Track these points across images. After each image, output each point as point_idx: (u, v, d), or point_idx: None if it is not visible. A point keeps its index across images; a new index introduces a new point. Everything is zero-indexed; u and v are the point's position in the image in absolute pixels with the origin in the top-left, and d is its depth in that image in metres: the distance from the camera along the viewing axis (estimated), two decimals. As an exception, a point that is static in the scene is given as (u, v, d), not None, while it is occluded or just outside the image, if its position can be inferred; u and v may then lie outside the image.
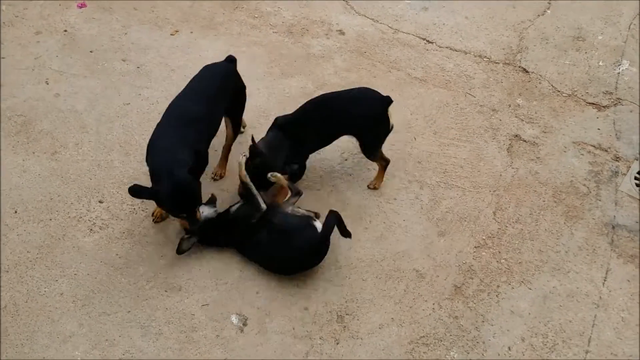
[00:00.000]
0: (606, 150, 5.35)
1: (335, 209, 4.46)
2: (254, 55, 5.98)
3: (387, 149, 5.00)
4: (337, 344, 4.19)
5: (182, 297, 4.35)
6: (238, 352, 4.13)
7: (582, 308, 4.44)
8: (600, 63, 6.04)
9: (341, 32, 6.27)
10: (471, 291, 4.47)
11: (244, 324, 4.25)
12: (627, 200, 5.02)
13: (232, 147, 5.03)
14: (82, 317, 4.21)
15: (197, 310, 4.30)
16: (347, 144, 5.19)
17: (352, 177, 5.06)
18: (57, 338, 4.11)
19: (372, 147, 4.84)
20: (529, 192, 5.05)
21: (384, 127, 4.80)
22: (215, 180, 4.98)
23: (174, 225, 4.63)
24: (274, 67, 5.90)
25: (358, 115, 4.69)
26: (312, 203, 4.79)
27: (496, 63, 6.03)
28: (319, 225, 4.38)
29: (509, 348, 4.23)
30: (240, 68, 5.80)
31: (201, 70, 4.75)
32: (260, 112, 5.48)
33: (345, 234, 4.49)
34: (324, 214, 4.50)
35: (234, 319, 4.27)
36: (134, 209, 4.75)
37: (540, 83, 5.86)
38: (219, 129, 4.71)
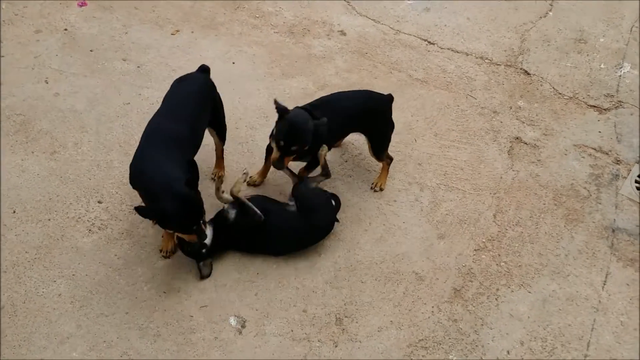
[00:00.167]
0: (607, 153, 5.34)
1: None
2: (254, 56, 5.97)
3: (392, 152, 4.99)
4: (336, 346, 4.18)
5: (181, 298, 4.33)
6: (236, 354, 4.12)
7: (581, 312, 4.43)
8: (602, 66, 6.03)
9: (342, 33, 6.25)
10: (470, 294, 4.46)
11: (243, 326, 4.23)
12: (627, 203, 5.01)
13: (233, 148, 5.02)
14: (80, 318, 4.20)
15: (196, 311, 4.28)
16: (347, 145, 5.19)
17: (352, 178, 5.04)
18: (55, 339, 4.10)
19: (382, 146, 4.87)
20: (530, 195, 5.03)
21: (392, 125, 4.86)
22: (214, 180, 4.95)
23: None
24: (274, 67, 5.88)
25: (369, 110, 4.71)
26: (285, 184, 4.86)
27: (498, 65, 6.01)
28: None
29: (508, 352, 4.22)
30: (241, 68, 5.83)
31: (175, 84, 4.56)
32: (261, 113, 5.46)
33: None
34: (323, 216, 4.51)
35: (233, 320, 4.26)
36: (133, 209, 4.72)
37: (541, 85, 5.84)
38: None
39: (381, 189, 4.96)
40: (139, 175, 4.07)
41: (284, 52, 6.02)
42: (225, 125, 4.83)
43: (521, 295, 4.47)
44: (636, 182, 5.11)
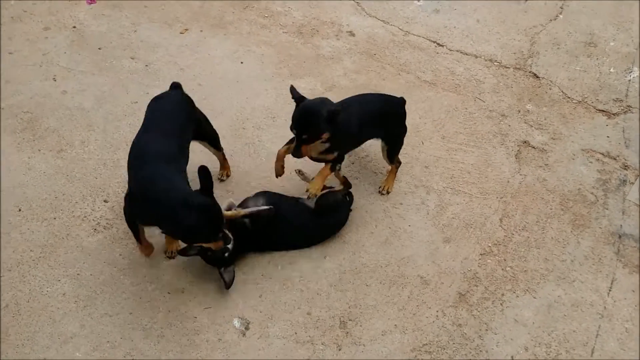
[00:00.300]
0: (615, 159, 5.30)
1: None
2: (263, 55, 5.96)
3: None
4: (339, 350, 4.17)
5: (185, 299, 4.33)
6: (240, 356, 4.11)
7: (586, 318, 4.40)
8: (612, 70, 5.99)
9: (351, 34, 6.24)
10: (475, 299, 4.44)
11: (246, 328, 4.23)
12: (634, 209, 4.97)
13: (239, 148, 5.03)
14: (83, 318, 4.20)
15: (200, 313, 4.28)
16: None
17: (359, 180, 5.02)
18: (58, 339, 4.10)
19: (397, 150, 4.87)
20: (537, 200, 5.01)
21: (405, 128, 4.88)
22: (222, 181, 4.95)
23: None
24: (282, 67, 5.87)
25: (387, 114, 4.71)
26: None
27: (507, 68, 5.98)
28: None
29: (512, 357, 4.20)
30: (249, 68, 5.83)
31: (153, 103, 4.45)
32: (268, 113, 5.46)
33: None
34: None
35: (236, 322, 4.25)
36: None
37: (550, 89, 5.81)
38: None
39: (388, 192, 4.95)
40: (149, 197, 3.86)
41: (292, 53, 6.01)
42: (215, 133, 4.75)
43: (526, 301, 4.45)
44: (644, 188, 5.09)
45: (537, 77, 5.91)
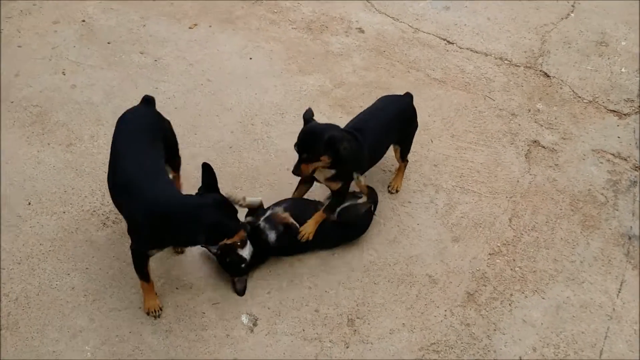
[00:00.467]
0: (625, 159, 5.29)
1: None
2: (272, 51, 5.95)
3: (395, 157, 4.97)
4: (347, 347, 4.16)
5: (193, 294, 4.33)
6: (247, 352, 4.11)
7: (595, 319, 4.39)
8: (623, 70, 5.97)
9: (361, 30, 6.22)
10: (484, 299, 4.43)
11: (254, 324, 4.23)
12: (645, 211, 4.97)
13: (248, 144, 5.02)
14: (93, 312, 4.20)
15: (208, 308, 4.28)
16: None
17: (367, 179, 4.97)
18: (68, 332, 4.10)
19: (409, 149, 4.88)
20: (546, 200, 4.99)
21: (417, 125, 4.88)
22: None
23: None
24: (291, 64, 5.86)
25: (401, 121, 4.69)
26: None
27: (517, 66, 5.96)
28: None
29: (520, 358, 4.19)
30: (258, 64, 5.82)
31: (124, 123, 4.22)
32: (276, 110, 5.45)
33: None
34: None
35: (245, 318, 4.25)
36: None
37: (561, 88, 5.79)
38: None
39: (397, 191, 4.94)
40: (161, 214, 3.72)
41: (301, 49, 6.00)
42: (179, 155, 4.55)
43: (535, 301, 4.44)
44: (654, 189, 5.07)
45: (548, 76, 5.89)
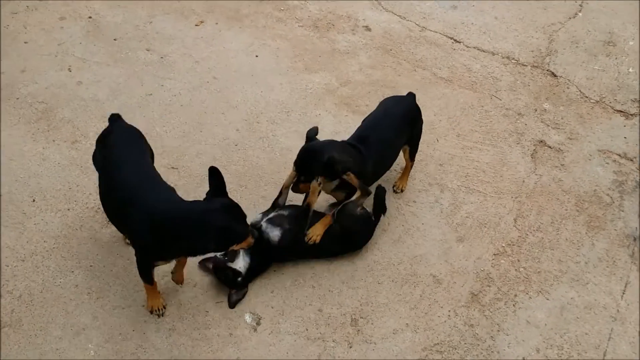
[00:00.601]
0: (631, 160, 5.26)
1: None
2: (278, 49, 5.94)
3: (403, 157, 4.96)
4: (350, 347, 4.16)
5: (197, 293, 4.33)
6: (250, 351, 4.10)
7: (599, 321, 4.37)
8: (630, 70, 5.94)
9: (367, 28, 6.21)
10: (488, 299, 4.42)
11: (258, 323, 4.22)
12: (650, 212, 4.95)
13: (253, 142, 5.00)
14: (96, 310, 4.20)
15: (212, 307, 4.27)
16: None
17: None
18: (71, 330, 4.11)
19: (417, 146, 4.86)
20: (552, 200, 4.97)
21: (422, 122, 4.86)
22: None
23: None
24: (297, 61, 5.85)
25: (408, 123, 4.68)
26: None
27: (524, 65, 5.94)
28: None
29: (524, 359, 4.17)
30: (264, 61, 5.82)
31: (110, 141, 4.10)
32: (282, 108, 5.44)
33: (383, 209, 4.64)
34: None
35: (248, 317, 4.24)
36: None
37: (568, 88, 5.76)
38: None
39: (402, 191, 4.92)
40: (169, 224, 3.65)
41: (307, 47, 5.99)
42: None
43: (539, 302, 4.42)
44: (661, 190, 5.05)
45: (555, 75, 5.86)
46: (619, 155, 5.29)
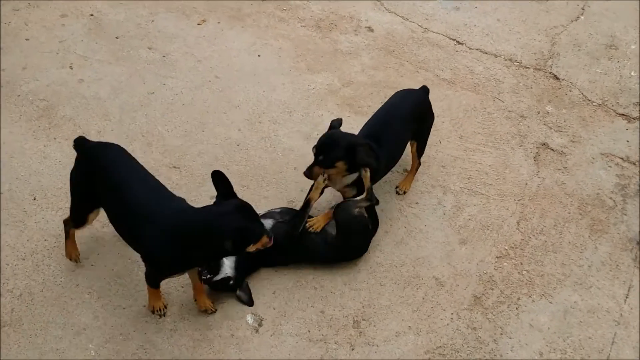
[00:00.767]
0: (634, 164, 5.25)
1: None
2: (280, 49, 5.92)
3: (409, 153, 4.95)
4: (352, 349, 4.14)
5: (198, 293, 4.31)
6: (252, 352, 4.08)
7: (602, 325, 4.35)
8: (632, 73, 5.93)
9: (370, 29, 6.19)
10: (491, 302, 4.40)
11: (259, 325, 4.20)
12: (653, 216, 4.94)
13: (255, 142, 4.98)
14: (97, 310, 4.18)
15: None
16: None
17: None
18: (71, 329, 4.08)
19: (425, 144, 4.87)
20: (555, 203, 4.96)
21: (433, 117, 4.88)
22: None
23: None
24: (300, 62, 5.83)
25: (416, 119, 4.68)
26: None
27: (527, 68, 5.92)
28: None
29: (527, 363, 4.17)
30: (266, 61, 5.80)
31: (104, 158, 3.98)
32: (284, 108, 5.42)
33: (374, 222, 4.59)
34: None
35: (250, 318, 4.22)
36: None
37: (570, 91, 5.75)
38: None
39: (404, 192, 4.91)
40: (185, 233, 3.61)
41: (310, 47, 5.97)
42: None
43: (542, 306, 4.41)
44: (663, 194, 5.04)
45: (557, 78, 5.85)
46: (622, 158, 5.28)
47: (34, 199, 4.67)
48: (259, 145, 5.14)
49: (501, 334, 4.26)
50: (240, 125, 5.25)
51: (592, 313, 4.40)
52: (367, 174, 4.32)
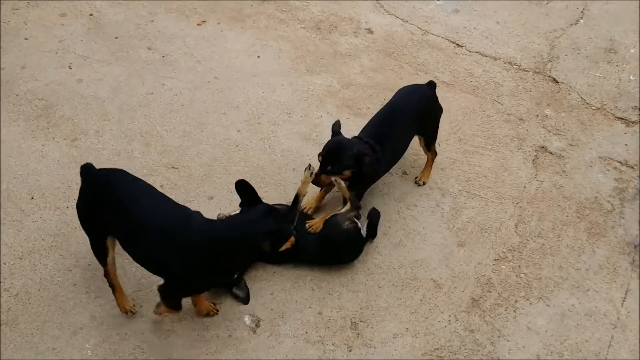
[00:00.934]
0: (632, 167, 5.25)
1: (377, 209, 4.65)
2: (280, 50, 5.92)
3: (410, 154, 4.97)
4: (350, 351, 4.13)
5: (196, 294, 4.30)
6: (249, 353, 4.08)
7: (599, 328, 4.35)
8: (631, 77, 5.92)
9: (370, 31, 6.19)
10: (488, 305, 4.40)
11: (257, 325, 4.20)
12: (651, 220, 4.94)
13: (254, 143, 4.98)
14: (94, 309, 4.17)
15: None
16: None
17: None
18: (68, 329, 4.07)
19: (435, 136, 4.92)
20: (553, 206, 4.96)
21: (441, 110, 4.92)
22: None
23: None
24: (299, 63, 5.82)
25: (421, 116, 4.72)
26: (334, 206, 4.72)
27: (526, 71, 5.92)
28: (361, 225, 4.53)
29: (524, 365, 4.17)
30: (266, 62, 5.80)
31: (115, 183, 3.87)
32: (284, 109, 5.42)
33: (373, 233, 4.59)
34: (343, 217, 4.46)
35: (247, 319, 4.22)
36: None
37: (569, 94, 5.75)
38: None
39: (423, 183, 4.97)
40: (221, 245, 3.62)
41: (309, 48, 5.96)
42: None
43: (540, 309, 4.40)
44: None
45: (557, 81, 5.85)
46: (620, 162, 5.27)
47: (32, 198, 4.66)
48: (258, 146, 5.14)
49: (498, 336, 4.26)
50: (240, 126, 5.25)
51: (590, 316, 4.40)
52: (342, 184, 4.42)
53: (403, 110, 4.64)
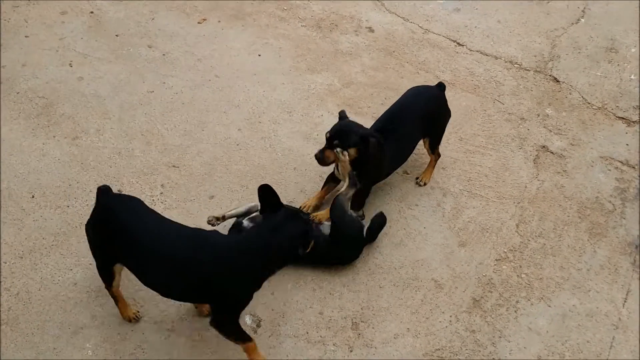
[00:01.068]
0: (633, 167, 5.25)
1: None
2: (280, 49, 5.91)
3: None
4: (351, 351, 4.13)
5: (197, 293, 4.29)
6: (250, 353, 4.08)
7: (600, 329, 4.35)
8: (632, 77, 5.92)
9: (370, 30, 6.18)
10: (490, 305, 4.39)
11: (258, 325, 4.19)
12: (652, 220, 4.93)
13: (255, 142, 4.97)
14: (95, 309, 4.16)
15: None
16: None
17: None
18: (69, 329, 4.06)
19: (439, 139, 4.93)
20: (554, 206, 4.95)
21: (449, 113, 4.95)
22: None
23: (192, 218, 4.57)
24: (300, 61, 5.81)
25: (430, 114, 4.75)
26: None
27: (527, 70, 5.92)
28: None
29: (525, 366, 4.17)
30: (266, 61, 5.80)
31: (127, 211, 3.75)
32: (284, 108, 5.41)
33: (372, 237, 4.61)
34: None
35: (248, 319, 4.21)
36: (153, 200, 4.67)
37: (570, 94, 5.75)
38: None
39: (424, 184, 4.97)
40: (256, 252, 3.59)
41: (310, 47, 5.95)
42: None
43: (541, 309, 4.40)
44: (663, 198, 5.04)
45: (558, 81, 5.85)
46: (621, 162, 5.27)
47: (33, 196, 4.65)
48: (259, 145, 5.13)
49: (500, 337, 4.25)
50: (240, 125, 5.24)
51: (591, 317, 4.39)
52: (345, 158, 4.40)
53: (410, 109, 4.67)
